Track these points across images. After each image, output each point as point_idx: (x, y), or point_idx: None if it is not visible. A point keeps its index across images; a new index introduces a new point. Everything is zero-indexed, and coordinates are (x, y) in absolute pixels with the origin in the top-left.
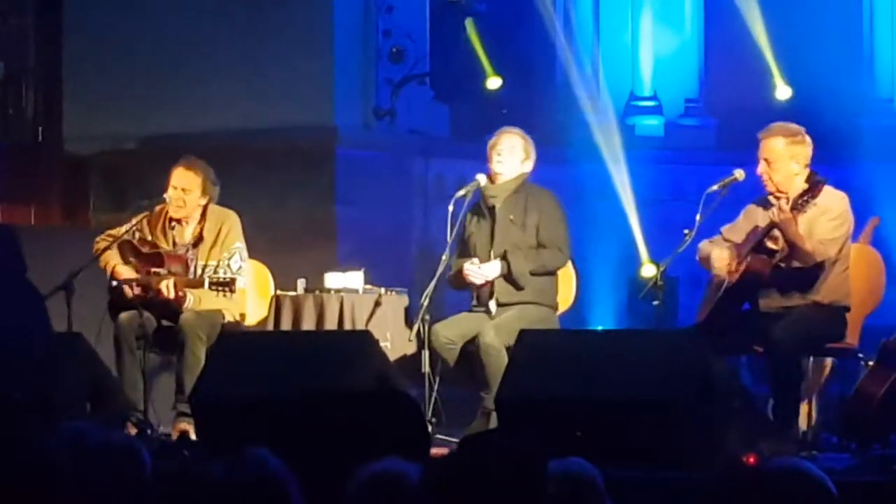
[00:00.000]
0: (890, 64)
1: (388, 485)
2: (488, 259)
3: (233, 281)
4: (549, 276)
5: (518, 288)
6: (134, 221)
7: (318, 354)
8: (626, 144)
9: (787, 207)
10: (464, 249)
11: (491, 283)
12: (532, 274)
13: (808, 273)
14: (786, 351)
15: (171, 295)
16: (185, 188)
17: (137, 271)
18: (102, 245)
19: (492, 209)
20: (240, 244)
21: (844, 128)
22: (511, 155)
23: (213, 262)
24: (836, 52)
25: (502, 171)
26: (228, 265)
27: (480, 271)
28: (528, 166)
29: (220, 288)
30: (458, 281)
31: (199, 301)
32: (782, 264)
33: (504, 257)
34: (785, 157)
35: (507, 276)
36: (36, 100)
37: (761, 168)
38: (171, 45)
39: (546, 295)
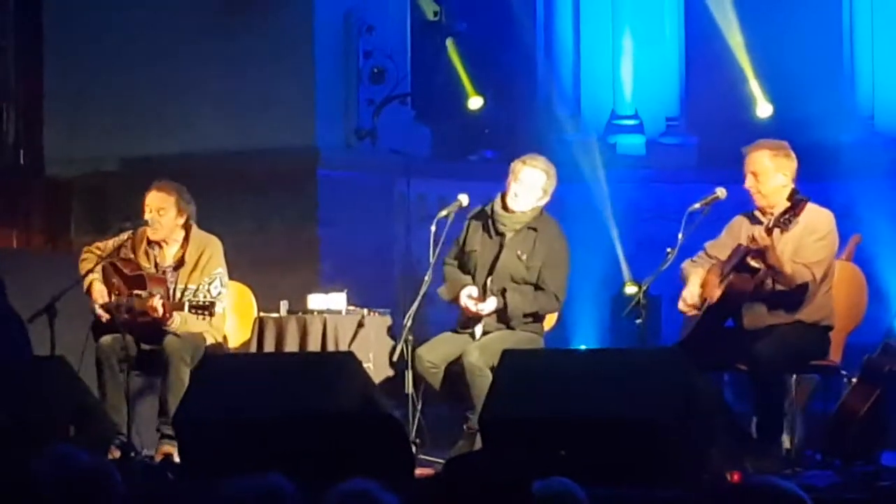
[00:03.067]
0: (870, 80)
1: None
2: (484, 282)
3: (212, 304)
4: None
5: (507, 325)
6: (121, 238)
7: (302, 376)
8: (607, 163)
9: (763, 234)
10: (461, 259)
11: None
12: (524, 316)
13: (793, 292)
14: (769, 368)
15: (160, 313)
16: (160, 209)
17: (120, 292)
18: (88, 258)
19: (501, 235)
20: (221, 269)
21: (826, 145)
22: (529, 192)
23: (192, 286)
24: (817, 70)
25: (515, 207)
26: (208, 290)
27: (478, 306)
28: (545, 200)
29: (200, 311)
30: (452, 295)
31: (183, 322)
32: (769, 282)
33: (503, 294)
34: (771, 170)
35: (501, 313)
36: (17, 123)
37: (749, 182)
38: (151, 68)
39: (532, 324)
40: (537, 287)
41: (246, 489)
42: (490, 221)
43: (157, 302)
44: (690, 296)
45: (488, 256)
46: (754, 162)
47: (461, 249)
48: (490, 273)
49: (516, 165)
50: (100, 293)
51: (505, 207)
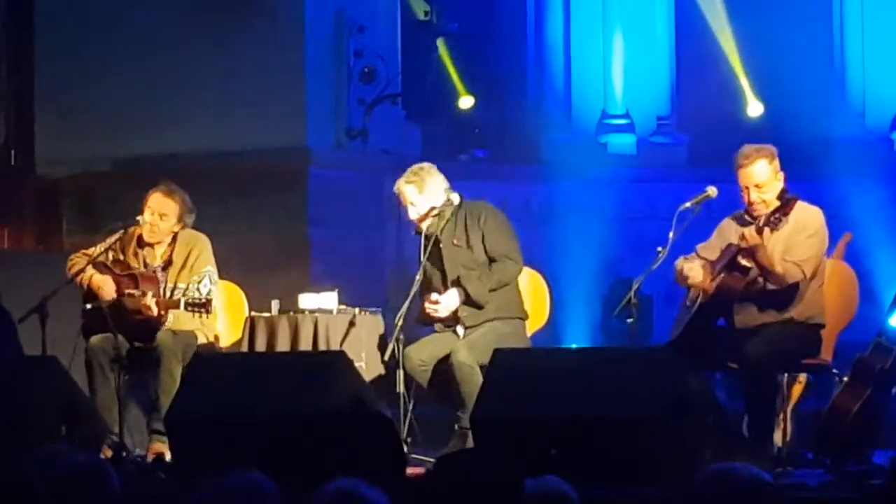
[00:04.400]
0: (860, 79)
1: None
2: (444, 288)
3: (209, 302)
4: (507, 287)
5: (480, 308)
6: (109, 240)
7: (293, 375)
8: (598, 162)
9: (753, 233)
10: (426, 289)
11: (455, 311)
12: (491, 291)
13: (783, 291)
14: (760, 367)
15: (155, 312)
16: (163, 214)
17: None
18: (77, 263)
19: (436, 241)
20: (210, 268)
21: (816, 143)
22: (415, 206)
23: (182, 285)
24: (807, 68)
25: (418, 218)
26: (198, 288)
27: (441, 306)
28: (437, 194)
29: (195, 309)
30: (425, 318)
31: (177, 320)
32: (760, 281)
33: (458, 283)
34: (772, 177)
35: (468, 300)
36: (8, 123)
37: (753, 195)
38: (142, 68)
39: (510, 307)
40: (491, 261)
41: (226, 488)
42: (424, 238)
43: (150, 300)
44: (691, 269)
45: (436, 263)
46: (756, 174)
47: (425, 282)
48: (444, 275)
49: (396, 190)
50: (102, 284)
51: (417, 226)
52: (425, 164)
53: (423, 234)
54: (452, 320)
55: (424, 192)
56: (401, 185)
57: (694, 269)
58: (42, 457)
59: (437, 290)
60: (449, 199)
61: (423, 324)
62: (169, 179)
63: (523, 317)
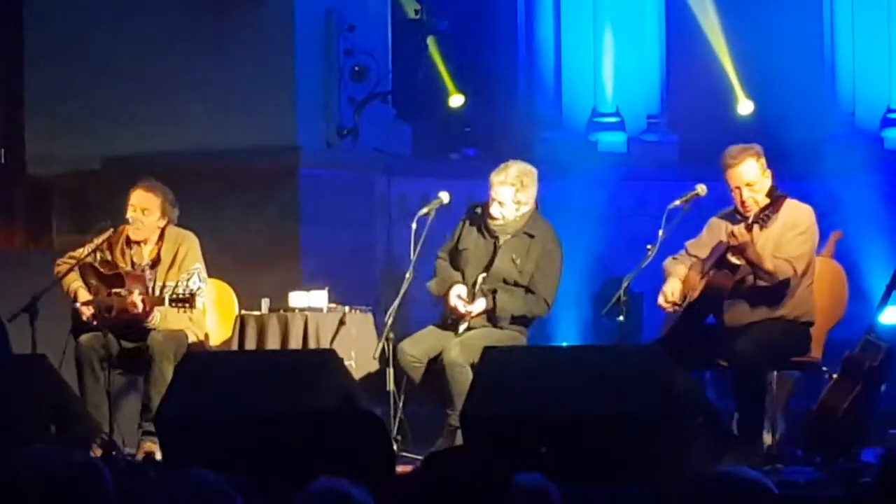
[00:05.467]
0: (851, 77)
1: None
2: (475, 280)
3: (192, 297)
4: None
5: (495, 325)
6: (96, 242)
7: (283, 374)
8: (588, 160)
9: (742, 231)
10: (453, 256)
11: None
12: (512, 317)
13: (774, 288)
14: (750, 365)
15: (140, 308)
16: (145, 209)
17: (99, 293)
18: (64, 268)
19: (495, 238)
20: (199, 265)
21: (806, 141)
22: (506, 206)
23: (171, 283)
24: (798, 67)
25: (499, 218)
26: (187, 285)
27: (467, 307)
28: (528, 206)
29: (180, 304)
30: (441, 291)
31: (164, 318)
32: (749, 279)
33: (493, 294)
34: (761, 175)
35: (490, 313)
36: None
37: (744, 195)
38: (132, 67)
39: (517, 319)
40: (528, 290)
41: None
42: (483, 224)
43: (136, 297)
44: (671, 292)
45: (482, 257)
46: (744, 174)
47: (455, 246)
48: (485, 273)
49: (492, 178)
50: (85, 309)
51: (490, 216)
52: (531, 169)
53: (421, 228)
54: (460, 317)
55: (521, 203)
56: (496, 180)
57: (672, 292)
58: (34, 457)
59: (460, 272)
60: (527, 214)
61: (436, 295)
62: (158, 178)
63: (524, 333)
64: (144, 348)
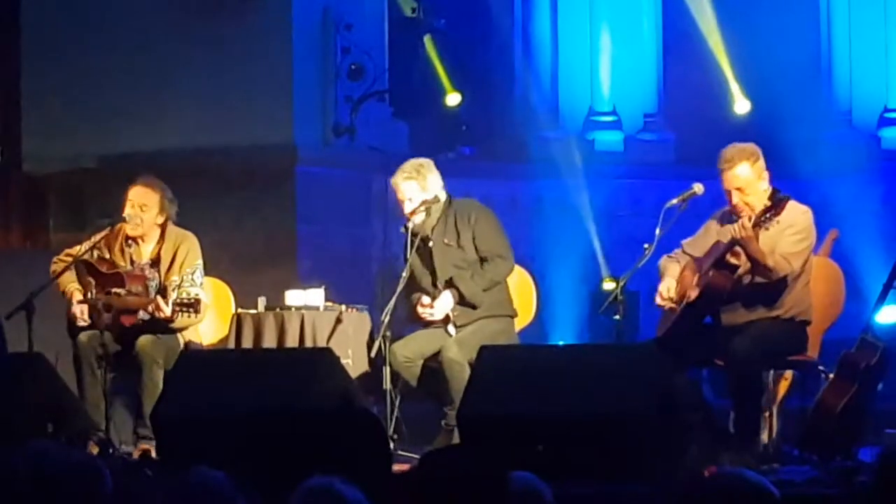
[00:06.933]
0: (848, 76)
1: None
2: (434, 287)
3: (197, 302)
4: (497, 285)
5: (473, 307)
6: (94, 239)
7: (280, 372)
8: (585, 159)
9: (748, 224)
10: (411, 286)
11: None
12: (484, 290)
13: (771, 288)
14: (747, 364)
15: (167, 314)
16: (143, 205)
17: (97, 292)
18: (60, 266)
19: (426, 240)
20: (199, 262)
21: (803, 141)
22: (412, 202)
23: (175, 279)
24: (795, 66)
25: (416, 220)
26: (192, 279)
27: (435, 309)
28: (435, 191)
29: (185, 309)
30: (416, 318)
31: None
32: (746, 278)
33: (451, 283)
34: (754, 180)
35: (461, 301)
36: None
37: (736, 199)
38: (128, 65)
39: (501, 306)
40: (482, 260)
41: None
42: (410, 235)
43: (160, 302)
44: (667, 289)
45: (426, 262)
46: (737, 178)
47: (411, 281)
48: (433, 274)
49: (392, 185)
50: (80, 312)
51: (412, 223)
52: (424, 161)
53: (409, 231)
54: (443, 321)
55: (426, 190)
56: (398, 179)
57: (667, 289)
58: (33, 454)
59: (425, 290)
60: (436, 197)
61: (413, 323)
62: (155, 176)
63: (513, 314)
64: (134, 355)
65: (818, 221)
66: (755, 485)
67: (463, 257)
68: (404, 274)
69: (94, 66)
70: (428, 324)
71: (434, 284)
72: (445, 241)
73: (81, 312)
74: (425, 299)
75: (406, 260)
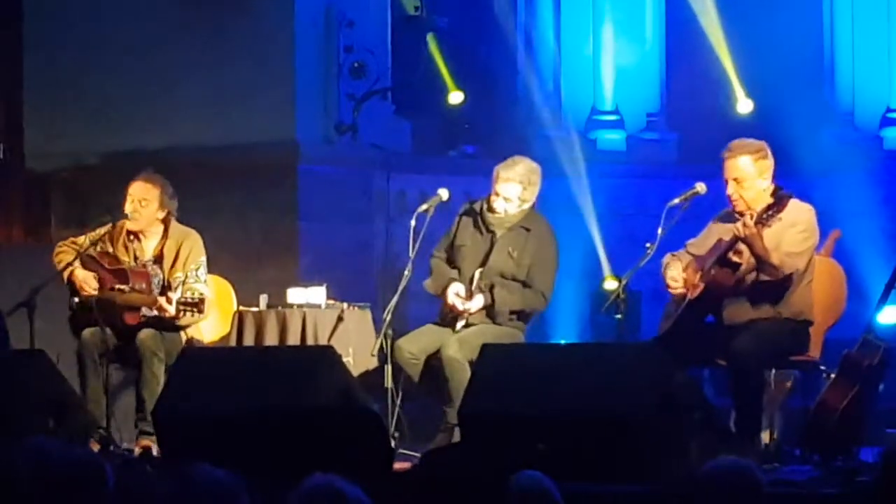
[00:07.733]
0: (850, 76)
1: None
2: (471, 277)
3: (202, 301)
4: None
5: (494, 321)
6: (98, 232)
7: (281, 370)
8: (587, 158)
9: (751, 223)
10: (450, 253)
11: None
12: (511, 313)
13: (774, 286)
14: (748, 363)
15: (172, 313)
16: (142, 200)
17: (102, 287)
18: (64, 251)
19: (492, 233)
20: (203, 258)
21: (805, 140)
22: (509, 202)
23: (179, 275)
24: (797, 66)
25: (500, 212)
26: (197, 275)
27: (465, 305)
28: (529, 203)
29: (188, 308)
30: (438, 290)
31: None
32: (750, 276)
33: (490, 290)
34: (754, 175)
35: (488, 308)
36: None
37: (731, 189)
38: (131, 62)
39: (516, 321)
40: (525, 285)
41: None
42: (480, 219)
43: (164, 302)
44: (673, 279)
45: (479, 252)
46: (736, 168)
47: (451, 244)
48: (482, 269)
49: (496, 173)
50: (85, 280)
51: (491, 210)
52: (536, 167)
53: (420, 225)
54: (459, 314)
55: (527, 201)
56: (509, 175)
57: (673, 280)
58: (34, 451)
59: (458, 272)
60: (524, 210)
61: (432, 292)
62: (156, 172)
63: (522, 329)
64: (134, 348)
65: (820, 221)
66: (739, 471)
67: (513, 272)
68: (407, 272)
69: (97, 62)
70: (445, 315)
71: (471, 275)
72: (510, 249)
73: (85, 278)
74: (461, 289)
75: (409, 258)
